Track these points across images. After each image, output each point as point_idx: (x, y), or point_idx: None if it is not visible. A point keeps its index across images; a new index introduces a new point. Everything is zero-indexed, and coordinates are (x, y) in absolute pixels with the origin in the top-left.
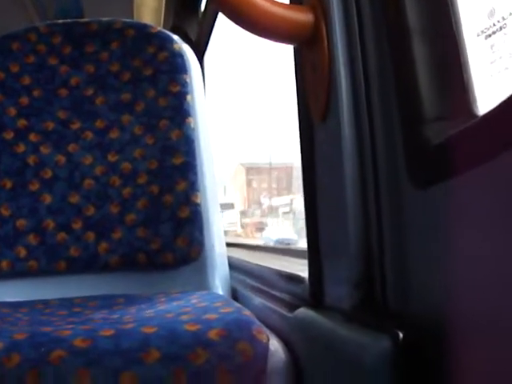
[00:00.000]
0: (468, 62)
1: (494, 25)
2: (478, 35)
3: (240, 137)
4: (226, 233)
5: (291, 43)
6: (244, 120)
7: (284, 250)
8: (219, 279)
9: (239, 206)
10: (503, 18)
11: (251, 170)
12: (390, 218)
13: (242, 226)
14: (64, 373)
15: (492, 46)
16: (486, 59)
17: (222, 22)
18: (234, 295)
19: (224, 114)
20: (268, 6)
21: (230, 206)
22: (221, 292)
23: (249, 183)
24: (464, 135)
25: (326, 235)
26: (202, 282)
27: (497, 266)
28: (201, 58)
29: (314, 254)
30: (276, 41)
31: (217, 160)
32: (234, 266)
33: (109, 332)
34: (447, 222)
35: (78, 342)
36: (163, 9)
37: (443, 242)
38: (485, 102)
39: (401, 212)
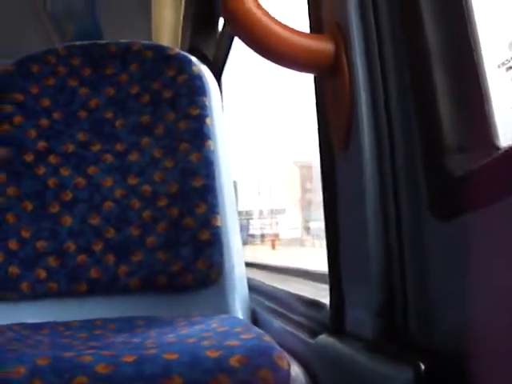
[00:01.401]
0: (489, 93)
1: None
2: (499, 67)
3: (293, 133)
4: (288, 242)
5: (312, 72)
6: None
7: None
8: (239, 302)
9: (292, 210)
10: None
11: (306, 169)
12: (411, 249)
13: (307, 232)
14: None
15: None
16: (508, 91)
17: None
18: (254, 317)
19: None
20: (288, 35)
21: (281, 211)
22: (240, 315)
23: (303, 183)
24: (486, 169)
25: (347, 262)
26: (221, 304)
27: None
28: (219, 79)
29: (335, 280)
30: (296, 70)
31: (263, 159)
32: (252, 287)
33: (131, 358)
34: (469, 254)
35: (101, 369)
36: (181, 29)
37: (465, 274)
38: (506, 134)
39: (422, 243)
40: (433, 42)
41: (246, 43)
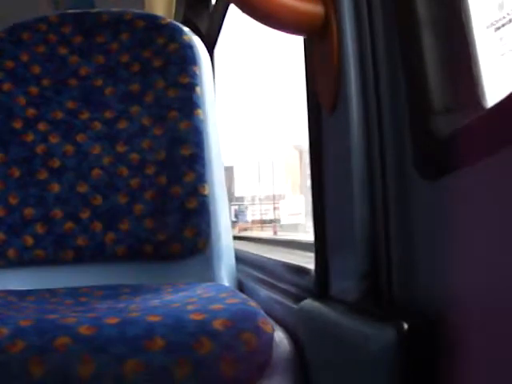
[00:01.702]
0: (477, 54)
1: (504, 17)
2: (488, 27)
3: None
4: (290, 227)
5: (301, 34)
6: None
7: (290, 242)
8: (225, 271)
9: (293, 195)
10: None
11: (307, 154)
12: (396, 211)
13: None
14: (68, 359)
15: (502, 39)
16: (496, 51)
17: (233, 14)
18: (240, 287)
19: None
20: None
21: (281, 196)
22: (227, 283)
23: (304, 168)
24: (472, 127)
25: (332, 227)
26: (208, 273)
27: (504, 259)
28: (211, 51)
29: (320, 245)
30: (286, 32)
31: (262, 143)
32: (240, 258)
33: (114, 320)
34: (454, 214)
35: (83, 330)
36: (174, 1)
37: (450, 235)
38: (494, 94)
39: (408, 204)
40: (422, 4)
41: (236, 4)
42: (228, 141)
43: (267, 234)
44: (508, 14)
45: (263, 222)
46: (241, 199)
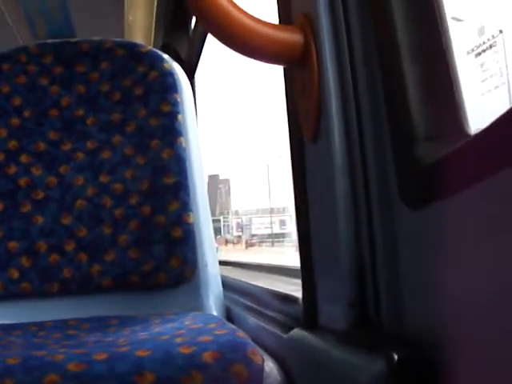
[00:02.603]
0: (459, 80)
1: (484, 43)
2: (468, 53)
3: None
4: None
5: (280, 64)
6: None
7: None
8: (213, 299)
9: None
10: (493, 36)
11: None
12: (382, 238)
13: None
14: None
15: (482, 65)
16: (477, 77)
17: (212, 40)
18: (228, 315)
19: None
20: (256, 26)
21: (283, 209)
22: (215, 312)
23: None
24: (456, 155)
25: (318, 255)
26: (195, 302)
27: (491, 286)
28: (191, 77)
29: (307, 274)
30: (265, 61)
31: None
32: (227, 285)
33: (103, 356)
34: (440, 241)
35: (72, 367)
36: (153, 27)
37: (437, 262)
38: (476, 120)
39: (393, 232)
40: (401, 30)
41: (213, 35)
42: (221, 153)
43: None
44: (488, 39)
45: (274, 237)
46: (237, 213)
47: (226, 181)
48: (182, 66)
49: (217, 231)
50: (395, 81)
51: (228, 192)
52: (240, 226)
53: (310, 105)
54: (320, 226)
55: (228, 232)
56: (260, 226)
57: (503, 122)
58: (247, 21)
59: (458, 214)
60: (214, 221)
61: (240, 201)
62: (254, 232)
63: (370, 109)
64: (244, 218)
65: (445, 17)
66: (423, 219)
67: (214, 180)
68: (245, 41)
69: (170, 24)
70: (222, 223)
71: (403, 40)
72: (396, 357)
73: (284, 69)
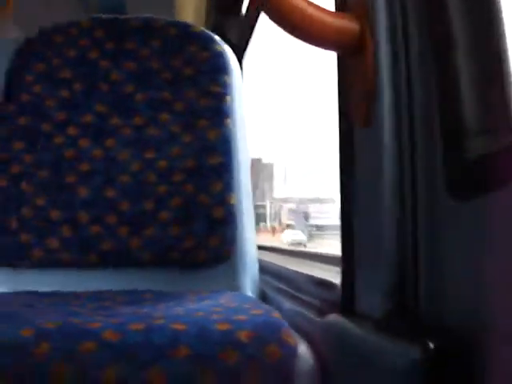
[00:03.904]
0: (511, 78)
1: None
2: None
3: None
4: None
5: (336, 50)
6: None
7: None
8: (249, 280)
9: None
10: None
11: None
12: (426, 229)
13: None
14: (93, 365)
15: None
16: None
17: (264, 24)
18: (264, 297)
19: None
20: (313, 12)
21: (328, 200)
22: (250, 293)
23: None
24: (505, 151)
25: (360, 243)
26: (232, 281)
27: None
28: (241, 60)
29: (347, 260)
30: (320, 47)
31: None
32: (263, 268)
33: (139, 326)
34: (483, 235)
35: (108, 335)
36: (205, 9)
37: (478, 255)
38: None
39: (437, 223)
40: (457, 24)
41: (271, 19)
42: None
43: None
44: None
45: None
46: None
47: (270, 165)
48: (232, 49)
49: (261, 218)
50: (449, 75)
51: (271, 177)
52: (292, 214)
53: (363, 94)
54: (364, 212)
55: (275, 219)
56: (318, 215)
57: None
58: (304, 6)
59: (504, 208)
60: (258, 206)
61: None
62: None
63: (422, 100)
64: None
65: (501, 16)
66: (468, 212)
67: (258, 163)
68: (301, 26)
69: (221, 6)
70: (268, 209)
71: (458, 34)
72: (432, 345)
73: (337, 56)
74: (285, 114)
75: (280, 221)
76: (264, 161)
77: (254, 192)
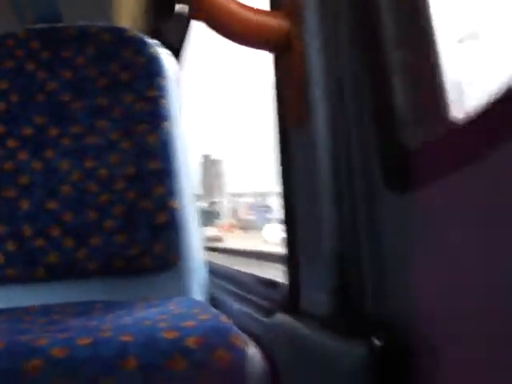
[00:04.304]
0: (441, 66)
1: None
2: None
3: None
4: None
5: (267, 49)
6: None
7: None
8: (197, 284)
9: None
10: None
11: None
12: (365, 225)
13: None
14: (41, 382)
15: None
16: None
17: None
18: (213, 300)
19: None
20: (243, 12)
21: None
22: (199, 297)
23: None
24: (439, 142)
25: (303, 241)
26: (180, 287)
27: (472, 271)
28: (178, 62)
29: (291, 259)
30: (251, 47)
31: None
32: (212, 271)
33: (86, 341)
34: (423, 227)
35: (56, 352)
36: (141, 12)
37: (419, 248)
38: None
39: (376, 218)
40: (387, 20)
41: (202, 22)
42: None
43: None
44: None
45: None
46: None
47: (219, 161)
48: (170, 51)
49: (215, 215)
50: (380, 68)
51: (220, 173)
52: (253, 208)
53: (296, 90)
54: (304, 212)
55: (233, 215)
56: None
57: (485, 110)
58: (233, 6)
59: (439, 199)
60: (212, 203)
61: (235, 183)
62: (271, 216)
63: (354, 95)
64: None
65: (429, 9)
66: (406, 205)
67: (207, 160)
68: (231, 27)
69: (157, 9)
70: (224, 205)
71: (389, 28)
72: (377, 342)
73: (273, 55)
74: (233, 110)
75: (238, 217)
76: (213, 157)
77: (206, 189)
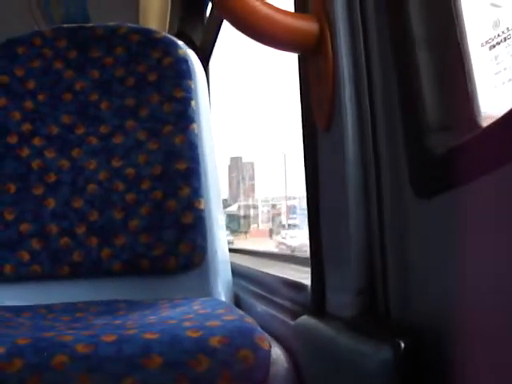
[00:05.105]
0: (472, 72)
1: (499, 35)
2: (483, 45)
3: None
4: None
5: (295, 51)
6: None
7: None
8: (222, 285)
9: None
10: (508, 29)
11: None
12: (392, 228)
13: None
14: (66, 378)
15: (496, 57)
16: (490, 70)
17: (228, 28)
18: (237, 302)
19: None
20: (273, 14)
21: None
22: (223, 298)
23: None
24: (467, 146)
25: (328, 244)
26: (204, 288)
27: (499, 276)
28: (206, 64)
29: (316, 262)
30: (280, 49)
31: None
32: (236, 272)
33: (111, 338)
34: (449, 231)
35: (80, 348)
36: (168, 14)
37: (445, 252)
38: (488, 112)
39: (403, 221)
40: (416, 22)
41: (230, 22)
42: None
43: None
44: (503, 32)
45: None
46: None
47: (250, 164)
48: (196, 53)
49: (249, 220)
50: (409, 71)
51: (252, 176)
52: (294, 212)
53: (324, 94)
54: (331, 214)
55: (269, 220)
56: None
57: None
58: (263, 8)
59: (468, 204)
60: (248, 207)
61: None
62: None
63: (383, 99)
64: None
65: (460, 8)
66: (432, 209)
67: (236, 162)
68: (260, 28)
69: (185, 11)
70: (259, 209)
71: (418, 31)
72: (403, 345)
73: (298, 57)
74: (266, 112)
75: (280, 221)
76: (244, 159)
77: (237, 192)
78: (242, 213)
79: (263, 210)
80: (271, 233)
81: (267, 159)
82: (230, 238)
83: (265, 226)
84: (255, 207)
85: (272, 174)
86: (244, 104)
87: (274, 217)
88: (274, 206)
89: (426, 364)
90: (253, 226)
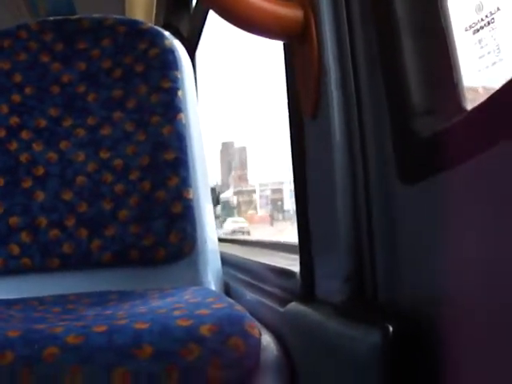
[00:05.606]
0: (457, 56)
1: (482, 20)
2: (467, 30)
3: None
4: None
5: (280, 39)
6: None
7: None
8: (212, 274)
9: None
10: (491, 13)
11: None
12: (379, 213)
13: None
14: (57, 370)
15: (480, 41)
16: (475, 54)
17: (214, 18)
18: (227, 290)
19: None
20: (257, 1)
21: None
22: (213, 287)
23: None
24: (453, 129)
25: (316, 230)
26: (194, 277)
27: (487, 259)
28: (192, 54)
29: (304, 248)
30: (265, 37)
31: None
32: (226, 261)
33: (101, 328)
34: (437, 216)
35: (71, 339)
36: (155, 5)
37: (433, 236)
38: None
39: (391, 206)
40: (401, 7)
41: (215, 11)
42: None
43: None
44: (486, 16)
45: None
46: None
47: (243, 149)
48: (183, 44)
49: (246, 205)
50: (394, 57)
51: (245, 162)
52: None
53: (310, 81)
54: (318, 201)
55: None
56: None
57: (499, 96)
58: None
59: (455, 188)
60: (244, 192)
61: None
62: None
63: (368, 85)
64: None
65: None
66: (420, 193)
67: (228, 148)
68: (244, 16)
69: (171, 2)
70: (258, 194)
71: (402, 16)
72: (391, 329)
73: (284, 45)
74: (256, 96)
75: (282, 207)
76: (235, 144)
77: (227, 178)
78: (235, 200)
79: (262, 195)
80: (272, 219)
81: (264, 143)
82: (243, 225)
83: (263, 212)
84: (251, 193)
85: (273, 157)
86: (242, 87)
87: (274, 202)
88: (274, 191)
89: (415, 347)
90: (250, 213)
